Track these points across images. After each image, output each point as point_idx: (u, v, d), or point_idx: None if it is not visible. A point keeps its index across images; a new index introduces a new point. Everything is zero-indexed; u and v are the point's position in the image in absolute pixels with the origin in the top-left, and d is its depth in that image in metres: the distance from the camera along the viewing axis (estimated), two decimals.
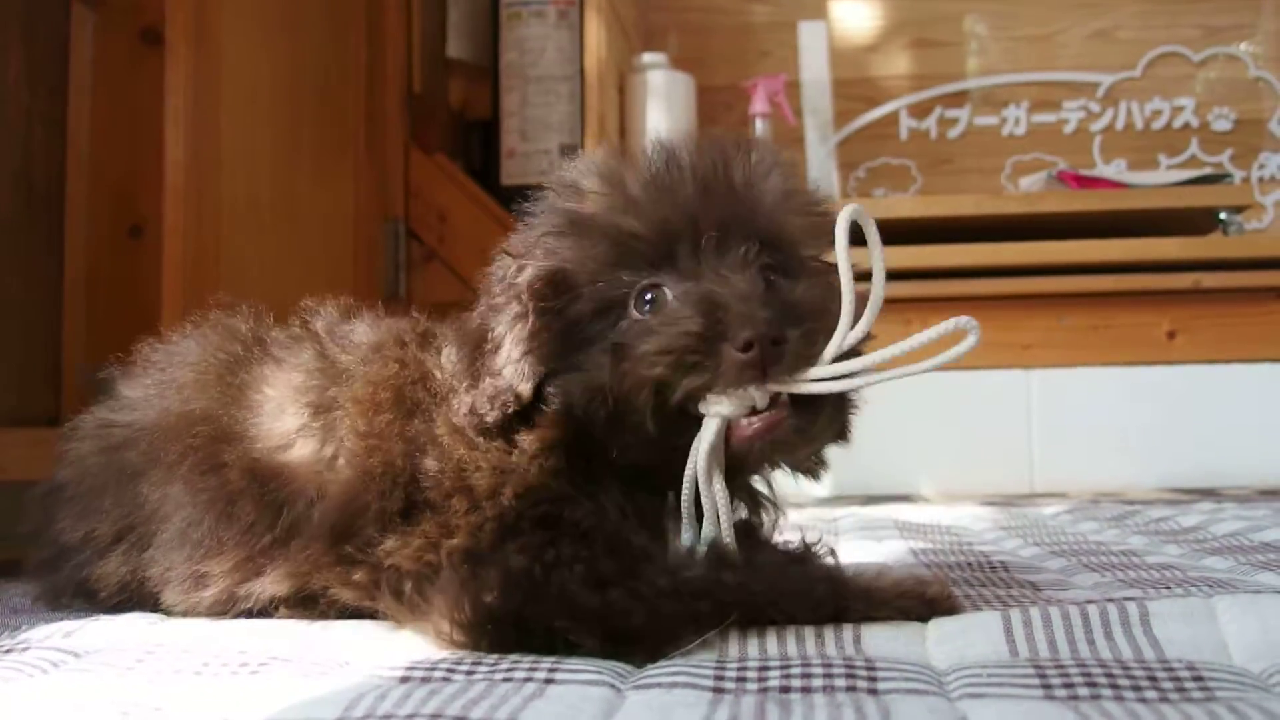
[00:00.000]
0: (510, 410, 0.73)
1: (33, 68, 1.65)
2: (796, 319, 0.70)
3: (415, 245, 2.59)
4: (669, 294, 0.72)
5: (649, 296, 0.73)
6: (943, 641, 0.64)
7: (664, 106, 2.65)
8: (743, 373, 0.68)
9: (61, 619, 0.72)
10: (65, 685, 0.60)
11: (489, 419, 0.73)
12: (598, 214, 0.74)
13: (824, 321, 0.71)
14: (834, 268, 0.73)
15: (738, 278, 0.71)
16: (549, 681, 0.57)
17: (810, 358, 0.70)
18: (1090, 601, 0.67)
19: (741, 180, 0.75)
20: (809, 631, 0.65)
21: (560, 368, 0.73)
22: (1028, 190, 2.66)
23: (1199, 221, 2.49)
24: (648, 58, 2.71)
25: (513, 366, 0.73)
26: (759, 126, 2.65)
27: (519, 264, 0.76)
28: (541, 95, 2.66)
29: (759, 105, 2.66)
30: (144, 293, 1.76)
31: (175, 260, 1.80)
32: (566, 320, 0.74)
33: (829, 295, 0.73)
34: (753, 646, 0.63)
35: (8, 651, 0.67)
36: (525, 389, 0.73)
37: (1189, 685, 0.54)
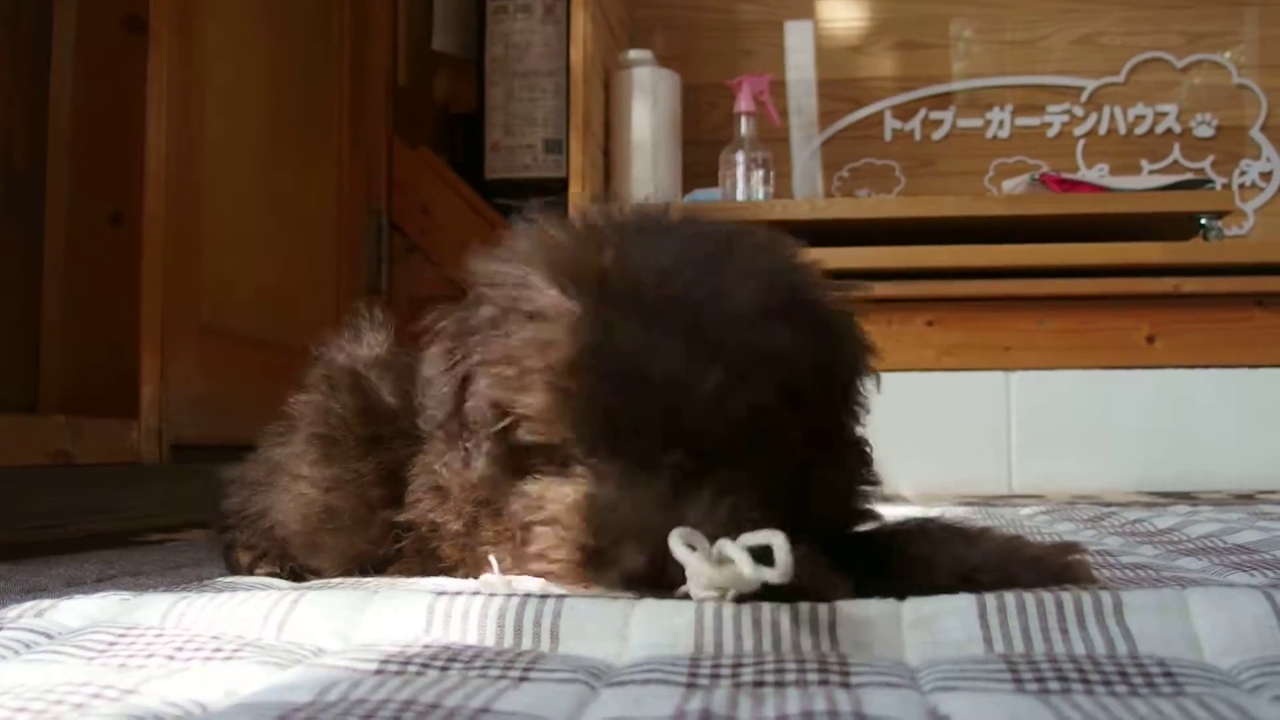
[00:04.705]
0: None
1: (15, 53, 1.63)
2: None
3: (397, 238, 2.59)
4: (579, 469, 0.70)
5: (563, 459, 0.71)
6: (917, 626, 0.64)
7: (649, 103, 2.66)
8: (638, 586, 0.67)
9: (34, 598, 0.72)
10: (37, 667, 0.60)
11: None
12: (542, 361, 0.68)
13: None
14: None
15: (641, 485, 0.67)
16: (523, 679, 0.57)
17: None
18: (1065, 589, 0.67)
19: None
20: (785, 629, 0.65)
21: None
22: (1010, 193, 2.68)
23: (1180, 226, 2.51)
24: (634, 54, 2.71)
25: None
26: (743, 125, 2.65)
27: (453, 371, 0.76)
28: (526, 90, 2.66)
29: (744, 104, 2.66)
30: (123, 280, 1.75)
31: (155, 248, 1.79)
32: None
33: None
34: (728, 644, 0.63)
35: None
36: None
37: (1159, 680, 0.55)
